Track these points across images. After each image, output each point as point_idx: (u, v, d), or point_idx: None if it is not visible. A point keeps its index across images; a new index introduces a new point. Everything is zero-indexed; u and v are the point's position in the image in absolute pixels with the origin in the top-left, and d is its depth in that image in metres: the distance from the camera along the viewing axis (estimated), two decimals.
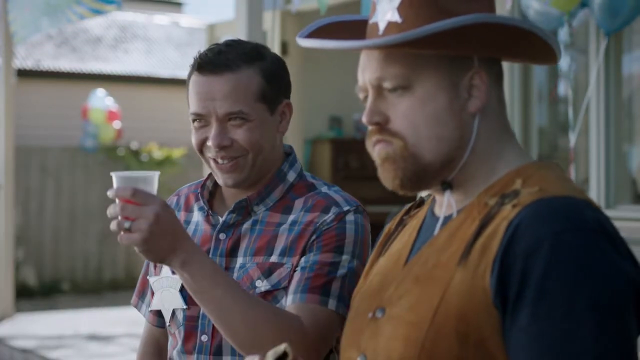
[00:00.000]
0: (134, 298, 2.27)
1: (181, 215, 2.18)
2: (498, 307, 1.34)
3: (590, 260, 1.30)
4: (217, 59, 2.01)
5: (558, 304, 1.29)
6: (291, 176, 2.10)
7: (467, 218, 1.44)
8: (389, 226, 1.69)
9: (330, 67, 8.81)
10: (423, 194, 1.60)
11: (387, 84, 1.46)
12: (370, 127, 1.50)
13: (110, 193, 1.79)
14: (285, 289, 1.99)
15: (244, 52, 2.04)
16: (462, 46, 1.43)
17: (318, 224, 2.00)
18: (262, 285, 2.00)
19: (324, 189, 2.08)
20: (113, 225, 1.78)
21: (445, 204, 1.50)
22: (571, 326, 1.28)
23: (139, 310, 2.26)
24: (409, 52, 1.44)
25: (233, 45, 2.06)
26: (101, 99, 12.29)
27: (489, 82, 1.47)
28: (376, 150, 1.49)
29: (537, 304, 1.30)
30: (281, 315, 1.88)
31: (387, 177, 1.48)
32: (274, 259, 2.01)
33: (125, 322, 8.85)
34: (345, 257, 1.97)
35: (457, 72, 1.46)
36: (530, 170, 1.45)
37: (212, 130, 2.01)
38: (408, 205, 1.68)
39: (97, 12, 5.71)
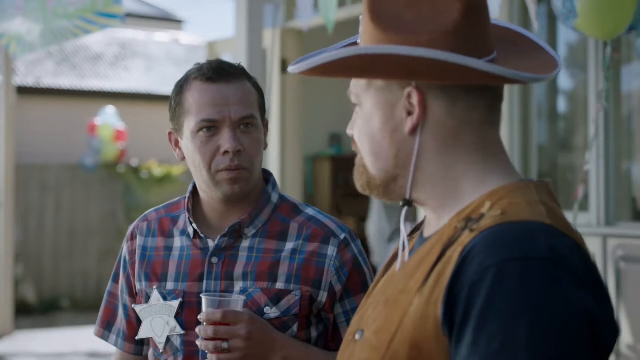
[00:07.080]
0: (98, 329, 2.27)
1: (158, 242, 2.18)
2: (447, 335, 1.32)
3: (532, 290, 1.26)
4: (224, 68, 2.10)
5: (497, 335, 1.25)
6: (274, 197, 2.16)
7: (437, 242, 1.42)
8: (395, 247, 1.71)
9: (330, 84, 8.83)
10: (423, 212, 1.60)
11: (352, 99, 1.52)
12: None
13: (201, 317, 1.93)
14: (297, 316, 2.05)
15: (236, 68, 2.13)
16: (377, 74, 1.42)
17: (326, 260, 2.07)
18: (271, 312, 2.04)
19: (310, 212, 2.16)
20: (210, 347, 1.91)
21: (425, 224, 1.52)
22: (508, 359, 1.24)
23: (107, 340, 2.26)
24: None
25: (224, 62, 2.15)
26: (111, 117, 12.36)
27: (430, 101, 1.43)
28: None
29: (477, 334, 1.27)
30: None
31: (355, 181, 1.55)
32: (280, 285, 2.06)
33: None
34: None
35: (394, 92, 1.44)
36: (502, 192, 1.41)
37: (225, 136, 2.05)
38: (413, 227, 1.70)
39: (101, 26, 5.67)
